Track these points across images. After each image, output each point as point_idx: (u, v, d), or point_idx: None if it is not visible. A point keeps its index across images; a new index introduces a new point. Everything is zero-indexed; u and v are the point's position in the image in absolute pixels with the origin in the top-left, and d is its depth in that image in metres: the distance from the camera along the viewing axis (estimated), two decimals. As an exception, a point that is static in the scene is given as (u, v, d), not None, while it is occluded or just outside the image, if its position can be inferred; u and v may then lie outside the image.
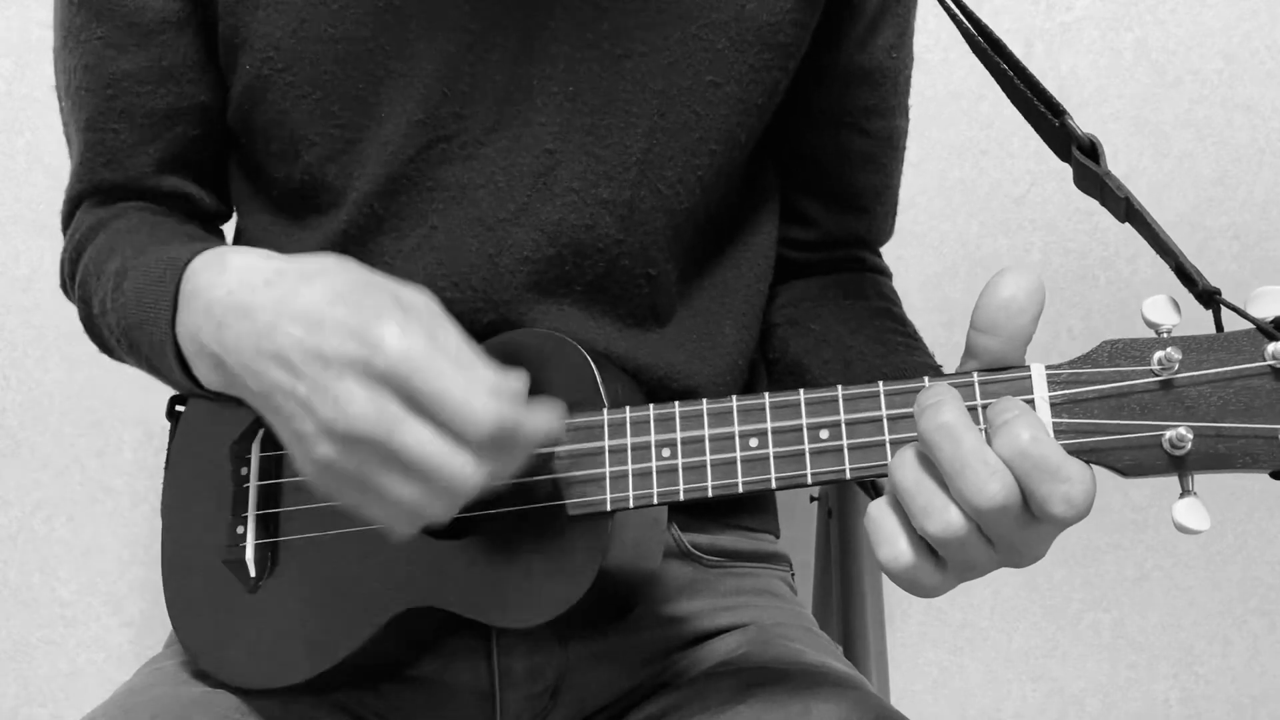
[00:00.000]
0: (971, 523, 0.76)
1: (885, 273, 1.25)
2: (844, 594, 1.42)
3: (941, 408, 0.77)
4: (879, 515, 0.80)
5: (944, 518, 0.76)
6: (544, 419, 0.83)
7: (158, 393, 1.11)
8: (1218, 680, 1.98)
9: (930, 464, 0.78)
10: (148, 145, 1.10)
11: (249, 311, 0.87)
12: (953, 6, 0.96)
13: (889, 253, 1.26)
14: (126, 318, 1.00)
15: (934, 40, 1.77)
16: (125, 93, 1.08)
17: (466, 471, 0.81)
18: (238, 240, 1.19)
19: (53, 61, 1.14)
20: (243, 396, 0.90)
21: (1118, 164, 1.83)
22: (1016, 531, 0.77)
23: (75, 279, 1.11)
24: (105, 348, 1.11)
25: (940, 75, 1.80)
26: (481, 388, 0.80)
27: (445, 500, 0.82)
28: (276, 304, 0.86)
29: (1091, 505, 0.75)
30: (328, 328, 0.83)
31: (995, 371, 0.80)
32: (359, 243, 1.07)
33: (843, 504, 1.44)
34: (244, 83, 1.06)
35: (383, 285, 0.86)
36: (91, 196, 1.13)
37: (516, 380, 0.83)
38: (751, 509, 1.22)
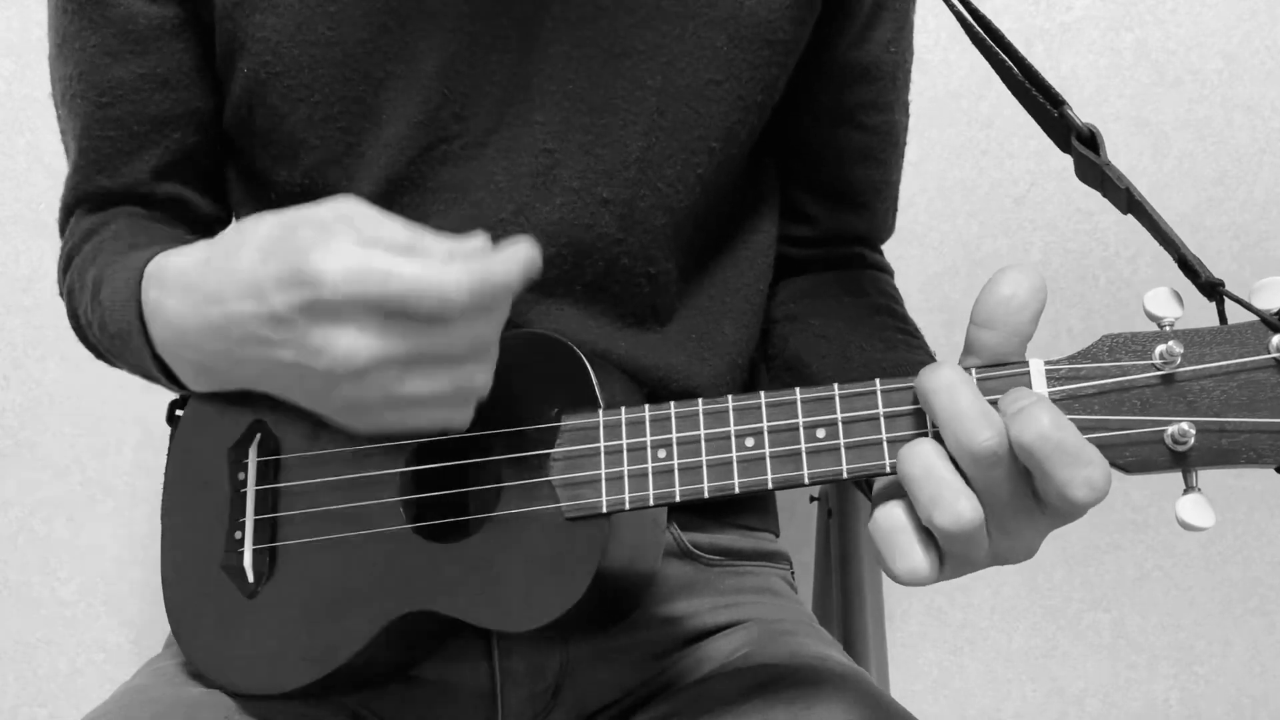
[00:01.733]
0: (979, 512, 0.76)
1: (886, 270, 1.25)
2: (844, 594, 1.42)
3: (941, 368, 0.77)
4: (889, 526, 0.79)
5: (954, 509, 0.75)
6: (513, 257, 0.83)
7: (158, 393, 1.11)
8: (1218, 680, 1.98)
9: (941, 454, 0.77)
10: (144, 152, 1.10)
11: (199, 310, 0.89)
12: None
13: (889, 253, 1.26)
14: (106, 328, 1.01)
15: (934, 40, 1.77)
16: (120, 100, 1.08)
17: (472, 335, 0.82)
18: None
19: (48, 68, 1.13)
20: (242, 385, 0.91)
21: (1117, 164, 1.82)
22: (1013, 510, 0.77)
23: (66, 287, 1.11)
24: (97, 354, 1.11)
25: (940, 75, 1.80)
26: (435, 264, 0.80)
27: (477, 369, 0.84)
28: (218, 291, 0.87)
29: (1106, 492, 0.75)
30: (268, 288, 0.83)
31: (994, 367, 0.80)
32: (360, 244, 1.07)
33: (843, 504, 1.44)
34: (241, 86, 1.06)
35: (301, 219, 0.85)
36: (86, 203, 1.13)
37: (473, 240, 0.84)
38: (751, 508, 1.22)
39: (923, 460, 0.77)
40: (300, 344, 0.83)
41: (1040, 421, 0.74)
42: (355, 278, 0.80)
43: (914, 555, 0.78)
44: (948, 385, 0.77)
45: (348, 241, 0.81)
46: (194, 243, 0.94)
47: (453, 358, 0.82)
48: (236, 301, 0.85)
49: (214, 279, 0.88)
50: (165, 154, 1.11)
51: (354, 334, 0.81)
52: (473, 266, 0.80)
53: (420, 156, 1.04)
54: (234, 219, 1.19)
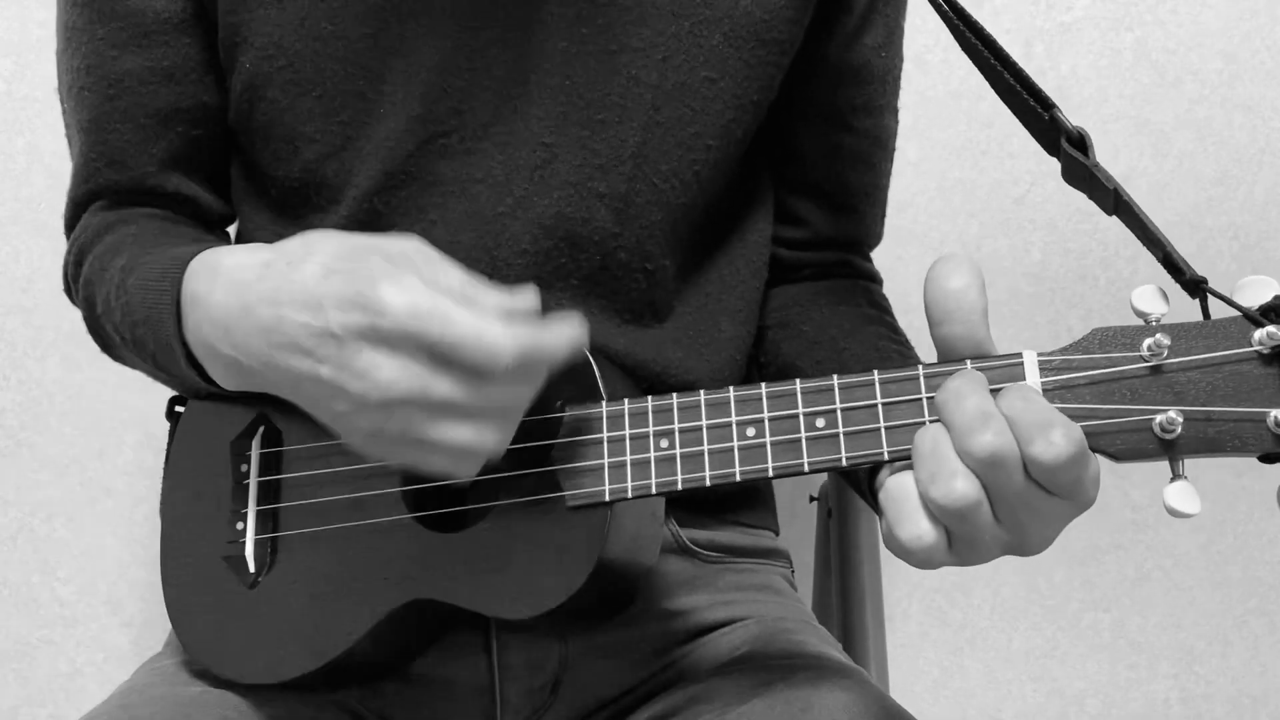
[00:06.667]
0: (975, 493, 0.77)
1: (876, 279, 1.25)
2: (844, 593, 1.42)
3: (956, 376, 0.80)
4: (899, 494, 0.81)
5: (949, 485, 0.77)
6: (563, 331, 0.85)
7: (158, 393, 1.11)
8: (1218, 680, 1.98)
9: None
10: (150, 145, 1.11)
11: (249, 309, 0.89)
12: (942, 4, 0.97)
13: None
14: (131, 314, 1.01)
15: (934, 40, 1.77)
16: (127, 92, 1.09)
17: (504, 397, 0.83)
18: (238, 241, 1.19)
19: (55, 63, 1.14)
20: (268, 390, 0.91)
21: (1118, 164, 1.83)
22: (1021, 499, 0.78)
23: (79, 280, 1.11)
24: (108, 347, 1.11)
25: (940, 75, 1.80)
26: (491, 319, 0.82)
27: (496, 432, 0.85)
28: (273, 295, 0.87)
29: (1081, 457, 0.76)
30: (328, 305, 0.84)
31: (987, 359, 0.81)
32: (359, 239, 1.07)
33: (843, 504, 1.44)
34: (244, 81, 1.07)
35: (370, 246, 0.87)
36: (96, 199, 1.14)
37: (525, 298, 0.85)
38: (750, 505, 1.22)
39: (931, 437, 0.79)
40: (343, 364, 0.83)
41: (1012, 398, 0.77)
42: (417, 314, 0.81)
43: (920, 523, 0.79)
44: (954, 393, 0.79)
45: (415, 279, 0.83)
46: (250, 245, 0.95)
47: (480, 413, 0.83)
48: (291, 309, 0.86)
49: (272, 283, 0.88)
50: (172, 147, 1.12)
51: (398, 367, 0.82)
52: (525, 331, 0.82)
53: (418, 150, 1.05)
54: (237, 217, 1.19)
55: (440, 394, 0.82)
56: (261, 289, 0.88)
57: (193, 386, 1.03)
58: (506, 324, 0.82)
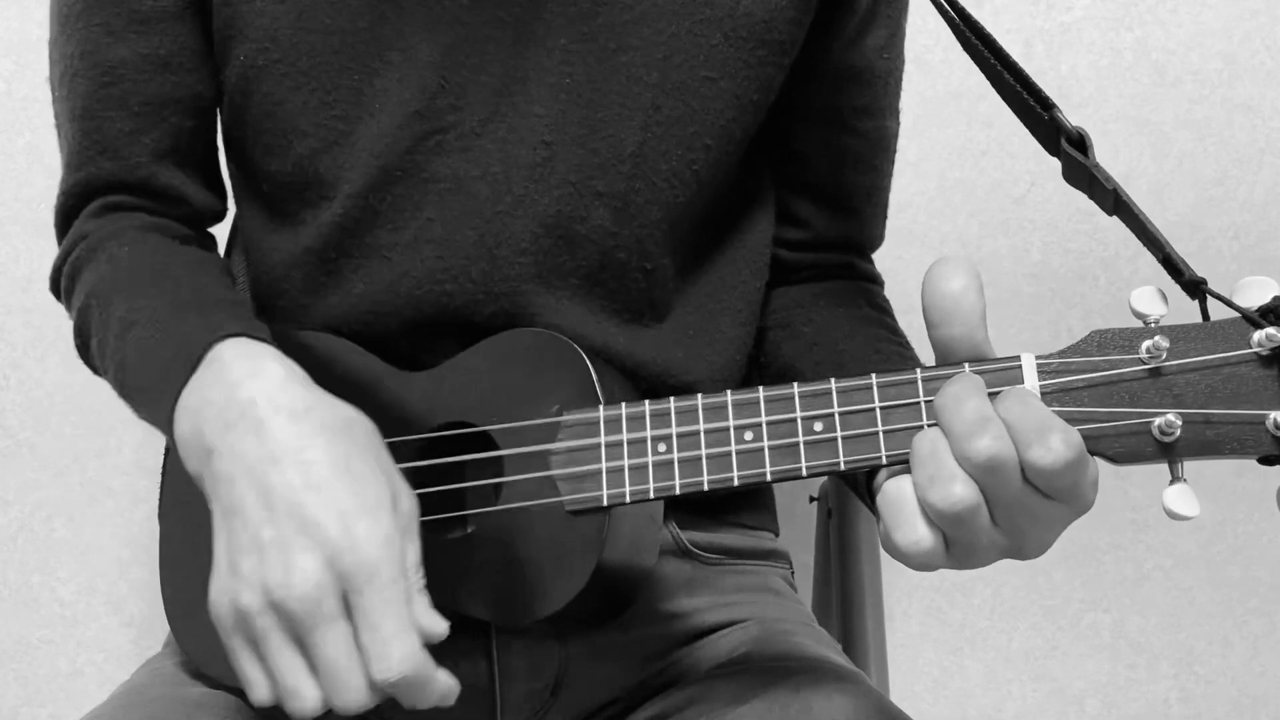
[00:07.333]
0: (973, 497, 0.77)
1: (877, 280, 1.25)
2: (844, 594, 1.42)
3: (954, 381, 0.79)
4: (897, 498, 0.81)
5: (947, 489, 0.77)
6: (445, 685, 0.85)
7: (158, 393, 1.11)
8: (1218, 680, 1.97)
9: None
10: (143, 135, 1.10)
11: (262, 431, 0.87)
12: (944, 4, 0.97)
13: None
14: (125, 373, 1.00)
15: (934, 40, 1.77)
16: (122, 80, 1.08)
17: (356, 697, 0.82)
18: (234, 237, 1.19)
19: (48, 52, 1.13)
20: (207, 492, 0.89)
21: (1118, 164, 1.83)
22: (1019, 504, 0.78)
23: (72, 297, 1.10)
24: (90, 364, 1.11)
25: (940, 75, 1.80)
26: (412, 633, 0.82)
27: (316, 705, 0.83)
28: (290, 441, 0.86)
29: (1079, 462, 0.76)
30: (323, 496, 0.84)
31: (986, 362, 0.81)
32: (355, 235, 1.07)
33: (843, 504, 1.44)
34: (238, 73, 1.07)
35: (389, 474, 0.87)
36: (88, 188, 1.13)
37: (442, 627, 0.85)
38: (750, 506, 1.22)
39: (929, 441, 0.79)
40: (284, 544, 0.83)
41: (1009, 401, 0.77)
42: (374, 577, 0.82)
43: (918, 527, 0.79)
44: (953, 397, 0.79)
45: (398, 543, 0.84)
46: (286, 374, 0.92)
47: (323, 680, 0.83)
48: (292, 467, 0.85)
49: (289, 430, 0.87)
50: (165, 137, 1.11)
51: (316, 589, 0.82)
52: (420, 666, 0.83)
53: (415, 146, 1.05)
54: (235, 213, 1.19)
55: (321, 639, 0.82)
56: (286, 427, 0.87)
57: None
58: (416, 648, 0.83)
